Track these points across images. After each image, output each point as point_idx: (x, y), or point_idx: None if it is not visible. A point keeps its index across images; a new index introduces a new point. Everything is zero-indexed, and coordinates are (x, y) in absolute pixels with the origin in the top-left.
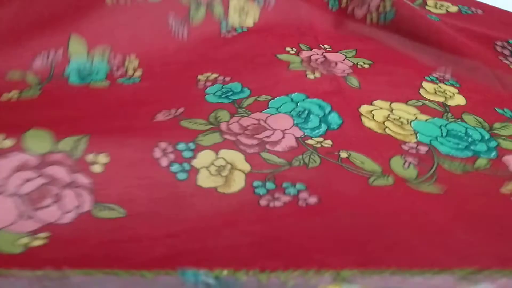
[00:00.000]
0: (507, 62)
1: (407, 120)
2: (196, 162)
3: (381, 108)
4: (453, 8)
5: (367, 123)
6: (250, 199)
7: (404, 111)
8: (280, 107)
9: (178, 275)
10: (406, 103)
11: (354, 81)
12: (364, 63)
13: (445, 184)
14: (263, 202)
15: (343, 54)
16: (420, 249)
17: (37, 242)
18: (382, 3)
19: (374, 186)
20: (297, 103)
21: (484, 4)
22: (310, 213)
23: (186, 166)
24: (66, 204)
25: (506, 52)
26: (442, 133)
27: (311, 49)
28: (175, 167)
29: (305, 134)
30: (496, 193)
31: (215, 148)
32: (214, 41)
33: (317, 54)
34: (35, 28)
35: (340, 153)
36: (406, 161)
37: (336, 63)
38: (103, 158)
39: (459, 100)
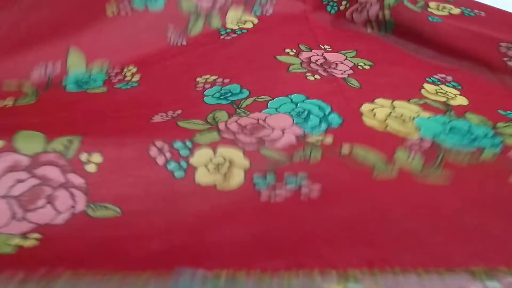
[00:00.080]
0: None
1: (410, 117)
2: (193, 160)
3: (382, 106)
4: (456, 10)
5: (368, 122)
6: (251, 195)
7: (406, 108)
8: (279, 107)
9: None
10: (408, 101)
11: (354, 82)
12: (365, 64)
13: (451, 174)
14: (263, 197)
15: (344, 55)
16: (432, 244)
17: (29, 243)
18: (381, 12)
19: (378, 178)
20: (297, 103)
21: (487, 6)
22: (313, 206)
23: (183, 164)
24: (59, 204)
25: (511, 54)
26: (445, 130)
27: (310, 49)
28: (172, 166)
29: (305, 132)
30: (504, 183)
31: (213, 146)
32: (213, 43)
33: (317, 55)
34: (33, 38)
35: (342, 147)
36: (410, 152)
37: (336, 64)
38: (97, 158)
39: (462, 101)
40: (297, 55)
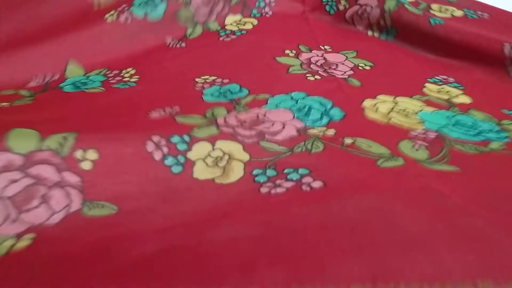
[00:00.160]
0: None
1: (413, 111)
2: (191, 154)
3: (385, 101)
4: (458, 13)
5: (371, 115)
6: (250, 188)
7: (409, 103)
8: (279, 103)
9: None
10: (410, 97)
11: (355, 82)
12: (365, 65)
13: (459, 164)
14: (264, 189)
15: (344, 55)
16: (438, 253)
17: (22, 244)
18: (382, 19)
19: (383, 168)
20: (297, 100)
21: (490, 7)
22: (315, 198)
23: (180, 158)
24: (54, 204)
25: None
26: (450, 123)
27: (310, 50)
28: (169, 161)
29: (306, 125)
30: None
31: (211, 140)
32: (213, 45)
33: (317, 55)
34: (31, 49)
35: (344, 139)
36: (415, 143)
37: (336, 65)
38: (92, 154)
39: (465, 99)
40: (297, 56)
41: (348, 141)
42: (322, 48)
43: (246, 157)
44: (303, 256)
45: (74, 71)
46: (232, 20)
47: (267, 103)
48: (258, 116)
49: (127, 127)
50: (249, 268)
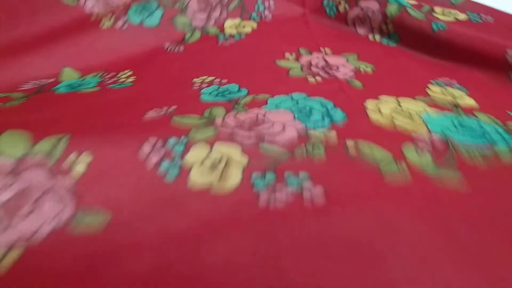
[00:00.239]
0: None
1: (416, 112)
2: (188, 158)
3: (387, 102)
4: (462, 16)
5: (373, 115)
6: (248, 199)
7: (413, 104)
8: (279, 103)
9: None
10: (413, 98)
11: (357, 83)
12: (367, 67)
13: (465, 172)
14: (262, 201)
15: (345, 57)
16: (451, 272)
17: (10, 258)
18: (384, 25)
19: (387, 177)
20: (298, 100)
21: (494, 10)
22: (316, 219)
23: (177, 163)
24: (46, 211)
25: None
26: (454, 125)
27: (311, 53)
28: (164, 165)
29: (307, 127)
30: None
31: (209, 142)
32: (212, 49)
33: (318, 58)
34: (27, 55)
35: (347, 142)
36: (418, 146)
37: (337, 67)
38: (85, 158)
39: (469, 100)
40: (297, 59)
41: (350, 144)
42: (322, 50)
43: (244, 160)
44: (303, 274)
45: (69, 74)
46: (231, 24)
47: (267, 103)
48: (257, 117)
49: (123, 128)
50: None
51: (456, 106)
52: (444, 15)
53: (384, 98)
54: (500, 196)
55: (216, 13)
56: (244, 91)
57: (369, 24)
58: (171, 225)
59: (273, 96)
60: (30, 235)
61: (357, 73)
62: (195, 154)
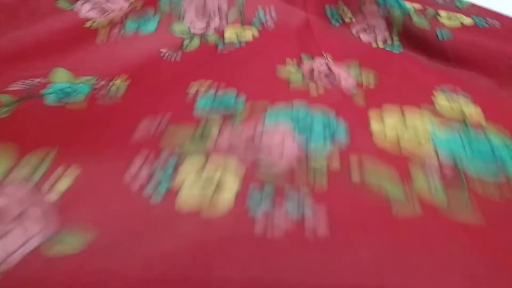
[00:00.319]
0: None
1: (423, 129)
2: (177, 178)
3: (391, 111)
4: (468, 21)
5: (380, 143)
6: (243, 224)
7: (418, 117)
8: (279, 114)
9: None
10: (419, 106)
11: (359, 91)
12: (369, 73)
13: (479, 204)
14: (258, 228)
15: (347, 67)
16: None
17: None
18: (389, 36)
19: (395, 210)
20: (298, 110)
21: (500, 15)
22: (318, 253)
23: (165, 183)
24: (22, 232)
25: None
26: (463, 145)
27: (313, 58)
28: (152, 186)
29: (308, 140)
30: None
31: (201, 160)
32: (210, 56)
33: (320, 64)
34: (18, 54)
35: (350, 166)
36: (428, 177)
37: (339, 74)
38: (69, 176)
39: (474, 109)
40: (298, 65)
41: (354, 169)
42: (324, 55)
43: (238, 184)
44: None
45: (61, 75)
46: (231, 31)
47: (266, 111)
48: (254, 134)
49: (111, 145)
50: None
51: (464, 118)
52: (449, 19)
53: (387, 107)
54: None
55: (215, 23)
56: (242, 99)
57: (374, 37)
58: (158, 250)
59: (272, 103)
60: (5, 258)
61: (359, 79)
62: (186, 174)
